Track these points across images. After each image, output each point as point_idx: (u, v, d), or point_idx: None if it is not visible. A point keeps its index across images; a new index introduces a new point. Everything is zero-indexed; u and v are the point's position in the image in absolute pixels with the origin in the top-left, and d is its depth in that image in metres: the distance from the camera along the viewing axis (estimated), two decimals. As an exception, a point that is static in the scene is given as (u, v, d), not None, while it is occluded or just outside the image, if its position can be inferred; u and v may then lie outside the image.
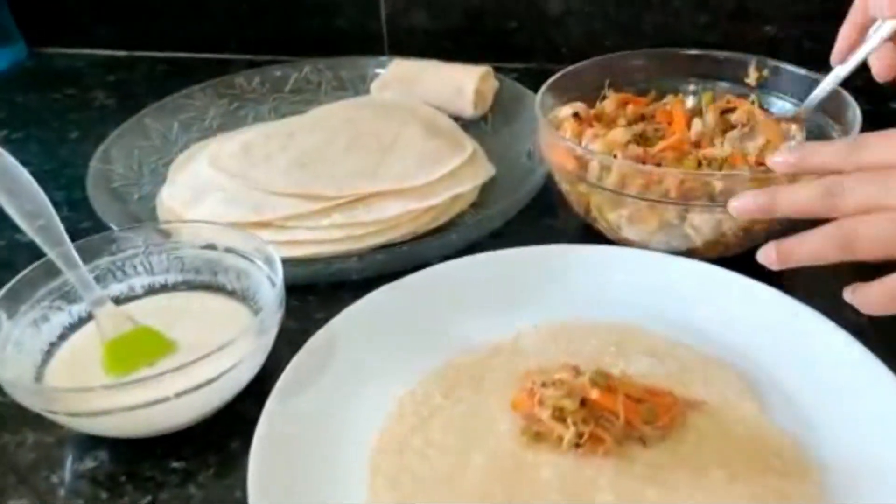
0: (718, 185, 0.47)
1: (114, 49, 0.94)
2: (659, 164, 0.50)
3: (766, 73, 0.59)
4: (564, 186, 0.55)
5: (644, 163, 0.50)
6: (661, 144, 0.52)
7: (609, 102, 0.59)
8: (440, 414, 0.42)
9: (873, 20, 0.50)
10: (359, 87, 0.77)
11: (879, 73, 0.50)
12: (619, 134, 0.53)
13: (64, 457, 0.43)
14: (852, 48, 0.52)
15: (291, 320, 0.48)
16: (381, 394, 0.43)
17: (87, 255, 0.48)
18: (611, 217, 0.52)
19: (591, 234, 0.56)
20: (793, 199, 0.41)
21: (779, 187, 0.43)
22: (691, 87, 0.60)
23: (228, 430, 0.44)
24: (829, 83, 0.54)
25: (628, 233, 0.52)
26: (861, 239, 0.38)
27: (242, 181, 0.58)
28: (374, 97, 0.74)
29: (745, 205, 0.43)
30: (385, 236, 0.55)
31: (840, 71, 0.53)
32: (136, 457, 0.43)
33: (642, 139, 0.54)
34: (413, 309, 0.48)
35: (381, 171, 0.59)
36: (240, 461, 0.41)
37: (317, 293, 0.53)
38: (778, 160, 0.44)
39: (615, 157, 0.51)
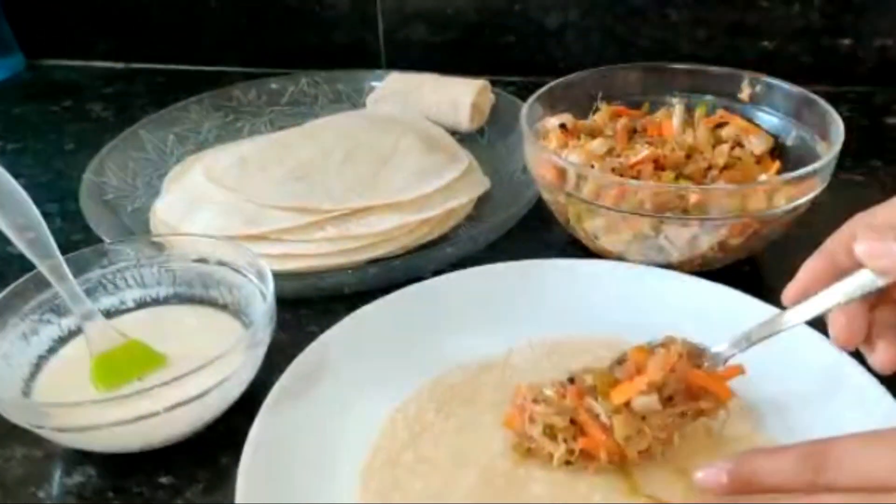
0: (693, 198, 0.47)
1: (111, 61, 0.94)
2: (638, 176, 0.50)
3: (759, 88, 0.59)
4: (546, 196, 0.55)
5: (622, 175, 0.50)
6: (637, 157, 0.52)
7: (601, 115, 0.59)
8: (432, 430, 0.42)
9: (851, 267, 0.37)
10: (355, 100, 0.77)
11: (840, 337, 0.38)
12: (597, 145, 0.53)
13: (52, 472, 0.43)
14: (811, 290, 0.38)
15: (284, 334, 0.48)
16: (373, 409, 0.43)
17: (78, 268, 0.47)
18: (588, 226, 0.52)
19: (585, 248, 0.56)
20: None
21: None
22: (683, 102, 0.60)
23: (218, 444, 0.43)
24: (764, 330, 0.40)
25: (604, 242, 0.52)
26: None
27: (237, 194, 0.58)
28: (370, 110, 0.74)
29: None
30: (379, 250, 0.55)
31: (789, 317, 0.39)
32: (124, 472, 0.42)
33: (632, 152, 0.54)
34: (406, 323, 0.47)
35: (377, 185, 0.58)
36: (229, 476, 0.40)
37: (310, 306, 0.53)
38: (706, 477, 0.33)
39: (592, 167, 0.51)
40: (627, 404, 0.38)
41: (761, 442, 0.40)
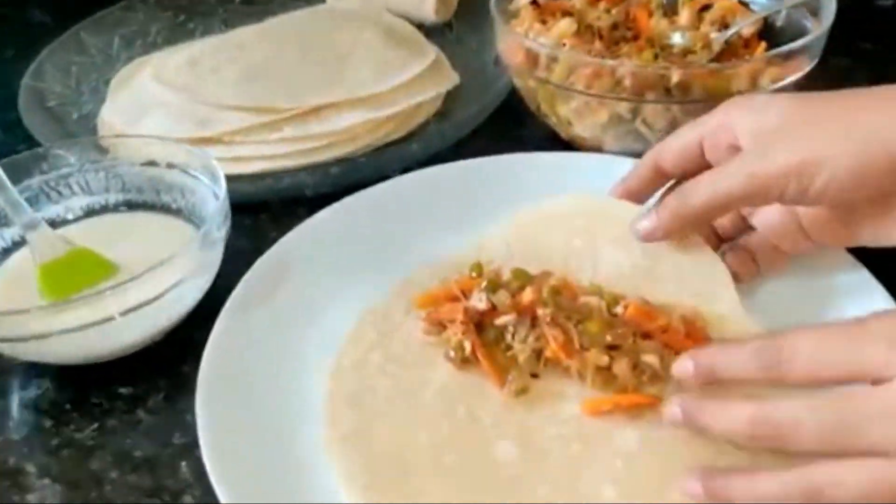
0: (674, 77, 0.44)
1: (48, -38, 0.87)
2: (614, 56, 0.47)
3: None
4: (518, 83, 0.52)
5: (601, 56, 0.47)
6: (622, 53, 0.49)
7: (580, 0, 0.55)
8: (401, 330, 0.40)
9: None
10: (313, -4, 0.72)
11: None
12: (565, 25, 0.50)
13: (6, 387, 0.41)
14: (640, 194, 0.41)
15: (243, 239, 0.46)
16: (339, 311, 0.41)
17: (16, 175, 0.44)
18: (561, 111, 0.50)
19: (558, 144, 0.53)
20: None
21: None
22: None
23: (179, 353, 0.42)
24: None
25: (579, 128, 0.50)
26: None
27: (188, 95, 0.55)
28: (330, 6, 0.70)
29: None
30: (340, 149, 0.53)
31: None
32: (81, 384, 0.41)
33: (610, 40, 0.51)
34: (372, 224, 0.45)
35: (336, 81, 0.55)
36: (191, 385, 0.39)
37: (270, 211, 0.51)
38: (679, 369, 0.34)
39: (564, 45, 0.48)
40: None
41: (748, 319, 0.39)
